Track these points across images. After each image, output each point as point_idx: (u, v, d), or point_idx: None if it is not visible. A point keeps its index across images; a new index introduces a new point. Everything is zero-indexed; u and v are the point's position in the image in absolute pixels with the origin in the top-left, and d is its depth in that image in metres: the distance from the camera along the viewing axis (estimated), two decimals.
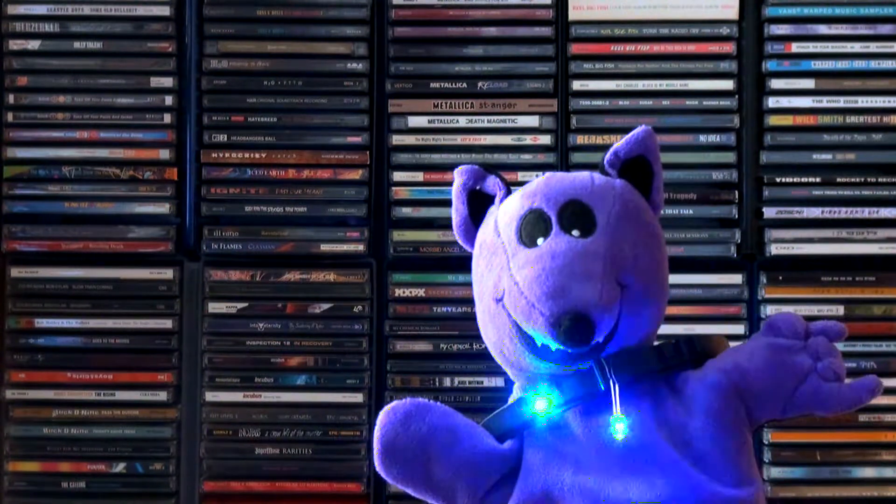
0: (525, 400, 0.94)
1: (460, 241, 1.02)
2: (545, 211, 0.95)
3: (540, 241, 0.93)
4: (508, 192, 0.99)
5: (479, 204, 1.01)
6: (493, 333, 0.96)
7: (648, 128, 0.98)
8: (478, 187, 1.00)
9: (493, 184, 1.00)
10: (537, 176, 1.49)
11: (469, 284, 1.01)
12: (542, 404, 0.93)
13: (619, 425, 0.91)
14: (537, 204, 0.95)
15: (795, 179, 1.50)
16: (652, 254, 0.95)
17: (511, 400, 0.98)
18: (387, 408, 0.95)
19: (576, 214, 0.94)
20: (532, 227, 0.94)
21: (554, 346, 0.91)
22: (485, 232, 0.98)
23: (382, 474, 0.94)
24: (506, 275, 0.94)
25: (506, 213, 0.97)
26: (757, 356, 0.94)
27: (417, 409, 0.95)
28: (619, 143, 0.98)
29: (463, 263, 1.49)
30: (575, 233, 0.93)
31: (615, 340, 0.93)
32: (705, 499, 0.90)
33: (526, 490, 0.93)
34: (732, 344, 1.00)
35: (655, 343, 0.98)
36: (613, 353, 0.93)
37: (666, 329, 1.49)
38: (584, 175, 0.98)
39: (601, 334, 0.91)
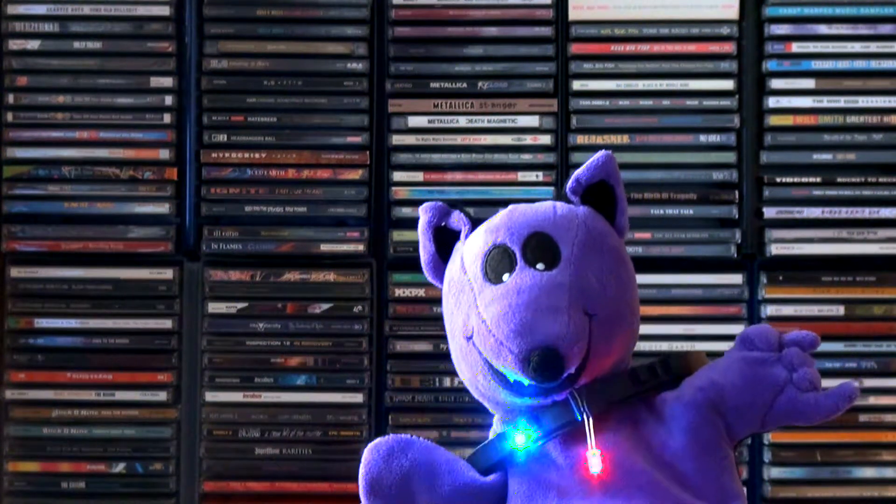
0: (505, 434, 0.95)
1: (430, 279, 1.02)
2: (509, 246, 0.95)
3: (506, 276, 0.93)
4: (473, 227, 0.99)
5: (446, 240, 1.01)
6: (466, 370, 0.97)
7: (609, 152, 0.98)
8: (443, 224, 1.00)
9: (457, 219, 1.00)
10: (537, 176, 1.50)
11: None
12: (522, 438, 0.94)
13: (594, 458, 0.91)
14: (501, 239, 0.95)
15: (795, 179, 1.50)
16: (619, 280, 0.95)
17: (492, 432, 0.98)
18: (370, 445, 0.96)
19: (540, 247, 0.94)
20: (497, 263, 0.94)
21: (526, 381, 0.92)
22: (452, 269, 0.98)
23: None
24: (473, 313, 0.94)
25: (471, 250, 0.97)
26: (732, 371, 0.94)
27: (399, 445, 0.95)
28: (580, 169, 0.98)
29: None
30: (540, 266, 0.93)
31: (588, 370, 0.93)
32: None
33: None
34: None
35: (631, 366, 0.97)
36: (588, 383, 0.93)
37: (666, 329, 1.50)
38: (546, 206, 0.98)
39: (572, 366, 0.91)
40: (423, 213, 1.00)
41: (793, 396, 0.93)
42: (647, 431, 0.93)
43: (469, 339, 0.94)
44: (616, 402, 0.93)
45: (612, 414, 0.93)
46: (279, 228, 1.52)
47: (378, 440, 0.96)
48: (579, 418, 0.92)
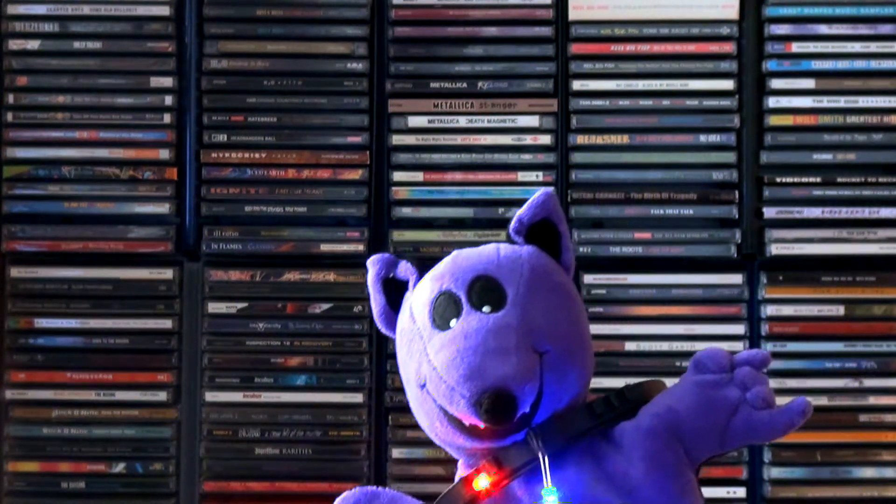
0: (469, 478, 0.95)
1: (383, 331, 1.03)
2: (454, 292, 0.95)
3: (453, 322, 0.94)
4: (421, 276, 1.00)
5: (396, 291, 1.02)
6: (424, 418, 0.98)
7: (549, 190, 0.99)
8: (391, 275, 1.01)
9: (405, 270, 1.01)
10: (537, 176, 1.50)
11: None
12: (485, 481, 0.94)
13: (549, 498, 0.91)
14: (446, 286, 0.96)
15: (795, 179, 1.50)
16: (568, 316, 0.96)
17: (457, 476, 0.99)
18: (338, 499, 0.97)
19: (484, 290, 0.95)
20: (444, 310, 0.95)
21: (481, 425, 0.92)
22: (402, 319, 1.00)
23: None
24: (425, 361, 0.95)
25: (419, 299, 0.98)
26: (687, 396, 0.95)
27: (366, 497, 0.97)
28: (521, 209, 0.99)
29: None
30: (486, 309, 0.94)
31: (543, 407, 0.93)
32: None
33: None
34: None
35: (588, 401, 0.98)
36: (544, 420, 0.94)
37: (666, 329, 1.50)
38: (490, 249, 0.99)
39: (526, 405, 0.92)
40: (371, 266, 1.02)
41: (747, 416, 0.93)
42: (608, 463, 0.94)
43: (423, 387, 0.95)
44: (575, 436, 0.94)
45: (573, 449, 0.94)
46: (279, 228, 1.52)
47: (345, 493, 0.98)
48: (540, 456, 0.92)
